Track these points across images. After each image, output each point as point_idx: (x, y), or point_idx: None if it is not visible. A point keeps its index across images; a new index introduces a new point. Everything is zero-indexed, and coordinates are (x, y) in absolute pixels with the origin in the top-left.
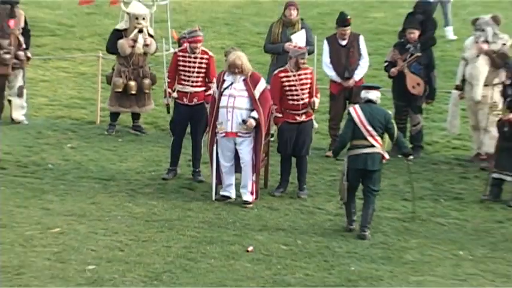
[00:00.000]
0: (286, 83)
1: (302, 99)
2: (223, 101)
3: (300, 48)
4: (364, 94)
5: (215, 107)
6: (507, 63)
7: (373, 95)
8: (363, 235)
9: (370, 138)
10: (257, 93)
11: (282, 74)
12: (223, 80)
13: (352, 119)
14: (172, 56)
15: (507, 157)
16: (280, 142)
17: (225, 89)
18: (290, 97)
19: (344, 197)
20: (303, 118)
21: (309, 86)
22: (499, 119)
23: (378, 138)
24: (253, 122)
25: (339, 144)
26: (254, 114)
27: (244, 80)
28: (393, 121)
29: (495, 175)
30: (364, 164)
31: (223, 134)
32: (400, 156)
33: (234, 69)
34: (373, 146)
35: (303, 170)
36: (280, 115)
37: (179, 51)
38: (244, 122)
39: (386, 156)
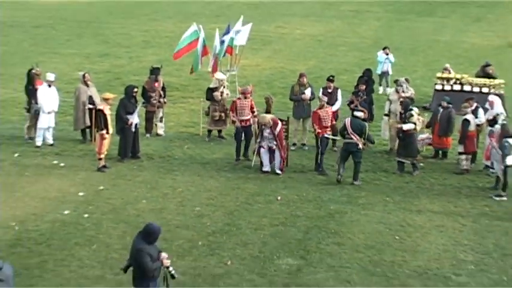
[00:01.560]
0: (321, 114)
1: (328, 122)
2: (264, 133)
3: (323, 100)
4: (355, 113)
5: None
6: (405, 102)
7: (358, 113)
8: (353, 183)
9: (351, 135)
10: (276, 131)
11: (318, 110)
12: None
13: (344, 124)
14: (232, 102)
15: (402, 149)
16: (321, 145)
17: (263, 129)
18: (323, 121)
19: (338, 161)
20: (329, 134)
21: (331, 116)
22: (398, 128)
23: (356, 135)
24: (274, 146)
25: (336, 134)
26: (275, 142)
27: (270, 127)
28: (367, 128)
29: (397, 158)
30: (346, 147)
31: (265, 147)
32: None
33: (262, 125)
34: (352, 139)
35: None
36: (320, 131)
37: (237, 99)
38: (270, 147)
39: (360, 146)
